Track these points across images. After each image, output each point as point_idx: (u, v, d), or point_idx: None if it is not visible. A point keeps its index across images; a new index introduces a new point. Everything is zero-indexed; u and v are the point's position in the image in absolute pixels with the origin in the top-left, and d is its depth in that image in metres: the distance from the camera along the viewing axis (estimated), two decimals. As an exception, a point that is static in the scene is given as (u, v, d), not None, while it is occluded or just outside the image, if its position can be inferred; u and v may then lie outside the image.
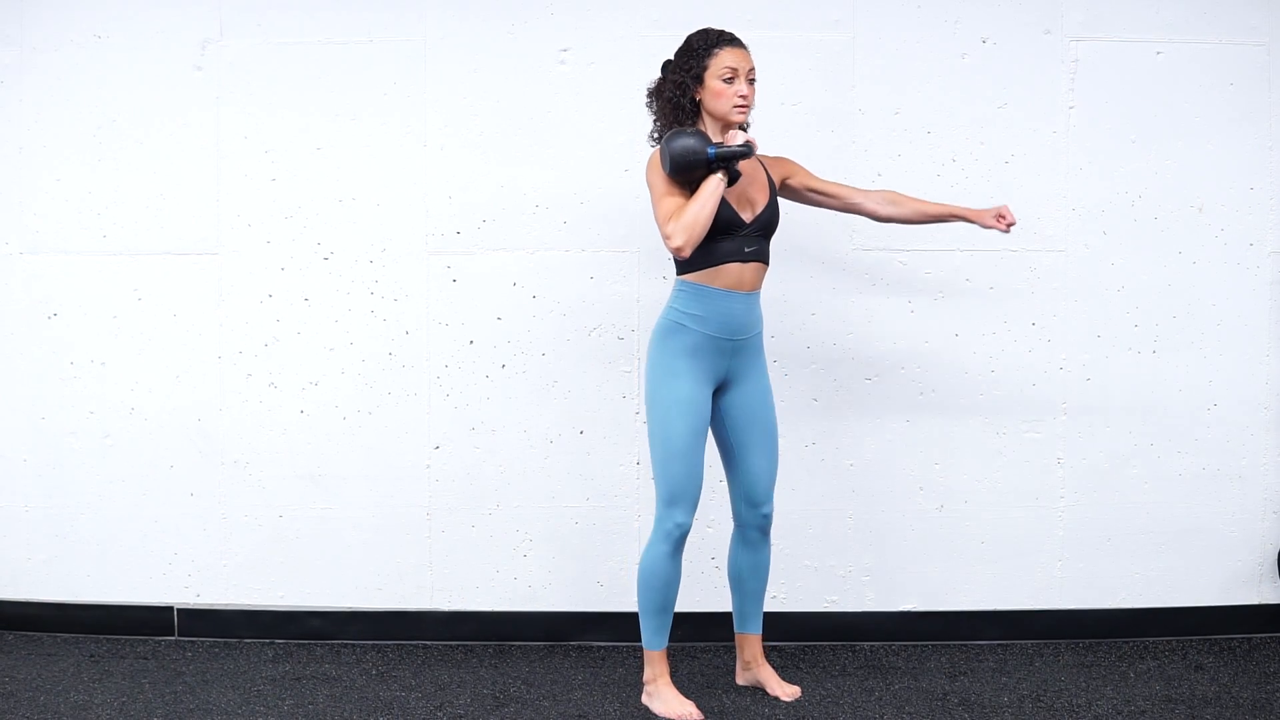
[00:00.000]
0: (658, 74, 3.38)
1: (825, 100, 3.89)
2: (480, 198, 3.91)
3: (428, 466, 3.95)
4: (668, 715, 3.31)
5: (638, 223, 3.88)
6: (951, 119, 3.88)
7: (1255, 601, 3.96)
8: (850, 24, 3.89)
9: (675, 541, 3.26)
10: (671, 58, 3.33)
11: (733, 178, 3.18)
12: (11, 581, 4.01)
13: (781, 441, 3.87)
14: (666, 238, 3.13)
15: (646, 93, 3.38)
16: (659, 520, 3.27)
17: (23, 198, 3.95)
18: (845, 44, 3.89)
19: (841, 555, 3.93)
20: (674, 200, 3.16)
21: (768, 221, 3.31)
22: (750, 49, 3.31)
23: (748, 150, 3.13)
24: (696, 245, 3.15)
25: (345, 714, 3.36)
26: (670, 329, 3.29)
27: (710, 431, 3.37)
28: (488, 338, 3.93)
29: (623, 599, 3.92)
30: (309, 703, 3.45)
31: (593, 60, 3.89)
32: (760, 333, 3.37)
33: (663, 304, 3.88)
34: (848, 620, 3.95)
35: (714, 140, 3.23)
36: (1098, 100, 3.89)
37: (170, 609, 4.00)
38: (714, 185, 3.14)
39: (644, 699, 3.40)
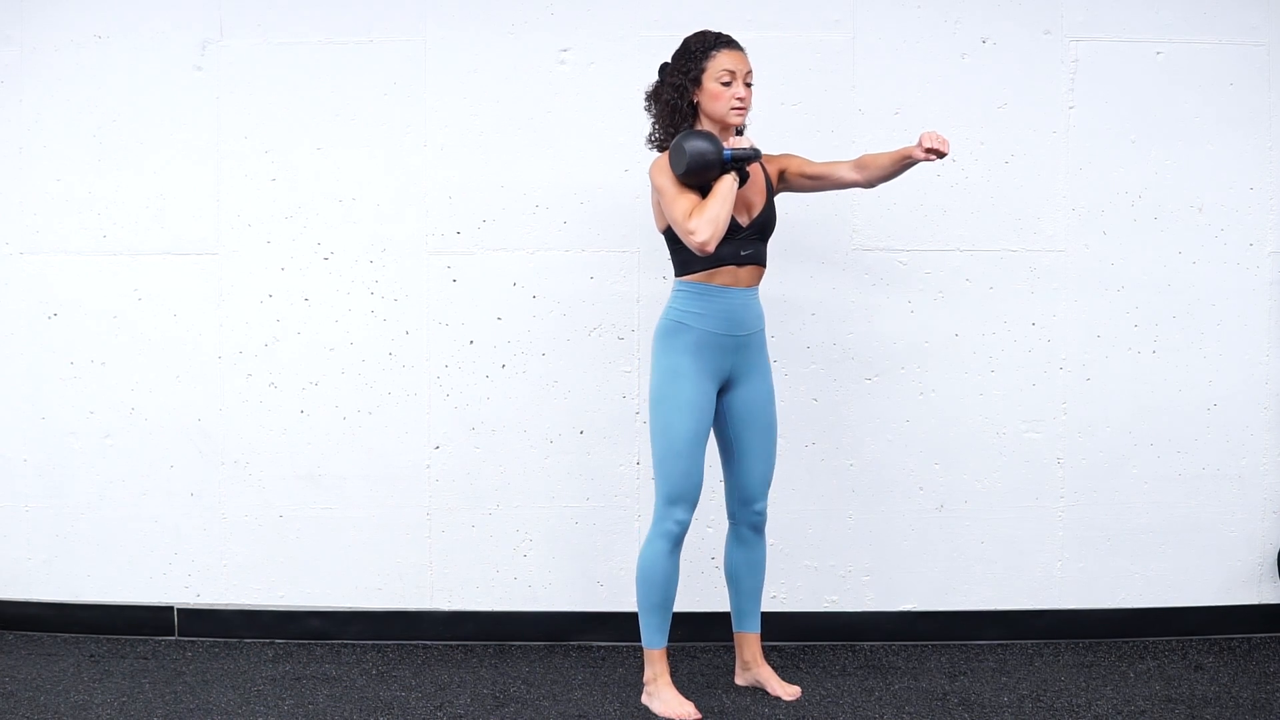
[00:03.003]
0: (655, 77, 3.38)
1: (825, 100, 3.89)
2: (480, 198, 3.91)
3: (428, 466, 3.95)
4: (667, 715, 3.32)
5: (638, 223, 3.88)
6: (951, 119, 3.88)
7: (1255, 601, 3.96)
8: (850, 24, 3.89)
9: (674, 539, 3.27)
10: (669, 60, 3.34)
11: (743, 179, 3.21)
12: (11, 581, 4.01)
13: (781, 442, 3.87)
14: (689, 233, 3.14)
15: (645, 96, 3.39)
16: (658, 518, 3.28)
17: (23, 198, 3.95)
18: (845, 44, 3.89)
19: (841, 555, 3.93)
20: (689, 199, 3.18)
21: (764, 224, 3.33)
22: (749, 50, 3.32)
23: (757, 154, 3.18)
24: (719, 241, 3.17)
25: (345, 714, 3.36)
26: (672, 329, 3.31)
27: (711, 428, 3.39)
28: (488, 338, 3.93)
29: (623, 599, 3.92)
30: (309, 703, 3.45)
31: (593, 60, 3.89)
32: (762, 330, 3.38)
33: (663, 304, 3.89)
34: (848, 620, 3.95)
35: None
36: (1098, 100, 3.89)
37: (170, 609, 4.00)
38: (729, 185, 3.17)
39: (644, 699, 3.40)
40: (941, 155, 3.22)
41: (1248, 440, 3.94)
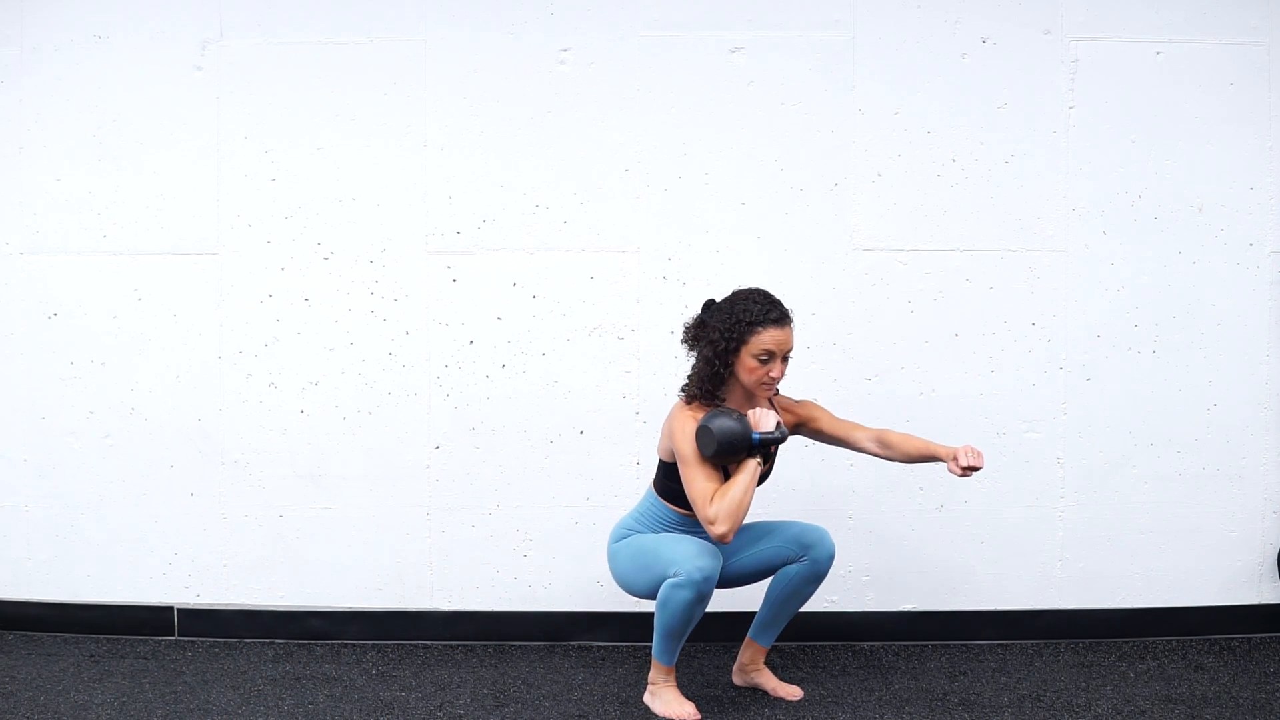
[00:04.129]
0: (699, 313, 3.33)
1: (825, 100, 3.89)
2: (480, 198, 3.91)
3: (428, 466, 3.95)
4: (667, 715, 3.32)
5: (638, 223, 3.88)
6: (951, 119, 3.88)
7: (1255, 601, 3.96)
8: (850, 24, 3.89)
9: (695, 587, 3.14)
10: (715, 301, 3.30)
11: (767, 459, 3.20)
12: (11, 581, 4.01)
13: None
14: (709, 522, 3.09)
15: (684, 329, 3.34)
16: (686, 572, 3.16)
17: (23, 198, 3.95)
18: (845, 44, 3.89)
19: (841, 555, 3.93)
20: (710, 482, 3.14)
21: (762, 476, 3.28)
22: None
23: (785, 436, 3.17)
24: (737, 529, 3.14)
25: (345, 714, 3.36)
26: (635, 530, 3.34)
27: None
28: (488, 338, 3.93)
29: (623, 599, 3.92)
30: (309, 703, 3.45)
31: (593, 60, 3.89)
32: None
33: (662, 305, 3.89)
34: (848, 620, 3.95)
35: (739, 401, 3.25)
36: (1098, 100, 3.89)
37: (170, 609, 4.00)
38: (753, 470, 3.14)
39: (645, 698, 3.40)
40: (977, 470, 3.18)
41: (1248, 440, 3.94)
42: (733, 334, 3.20)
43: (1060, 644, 3.92)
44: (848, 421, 3.42)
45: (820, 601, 3.93)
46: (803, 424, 3.41)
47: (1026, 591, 3.95)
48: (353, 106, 3.91)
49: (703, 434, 3.13)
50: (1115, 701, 3.42)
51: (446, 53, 3.90)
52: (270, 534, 3.96)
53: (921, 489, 3.93)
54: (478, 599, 3.97)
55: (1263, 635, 3.95)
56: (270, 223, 3.93)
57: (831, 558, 3.34)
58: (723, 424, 3.11)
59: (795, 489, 3.90)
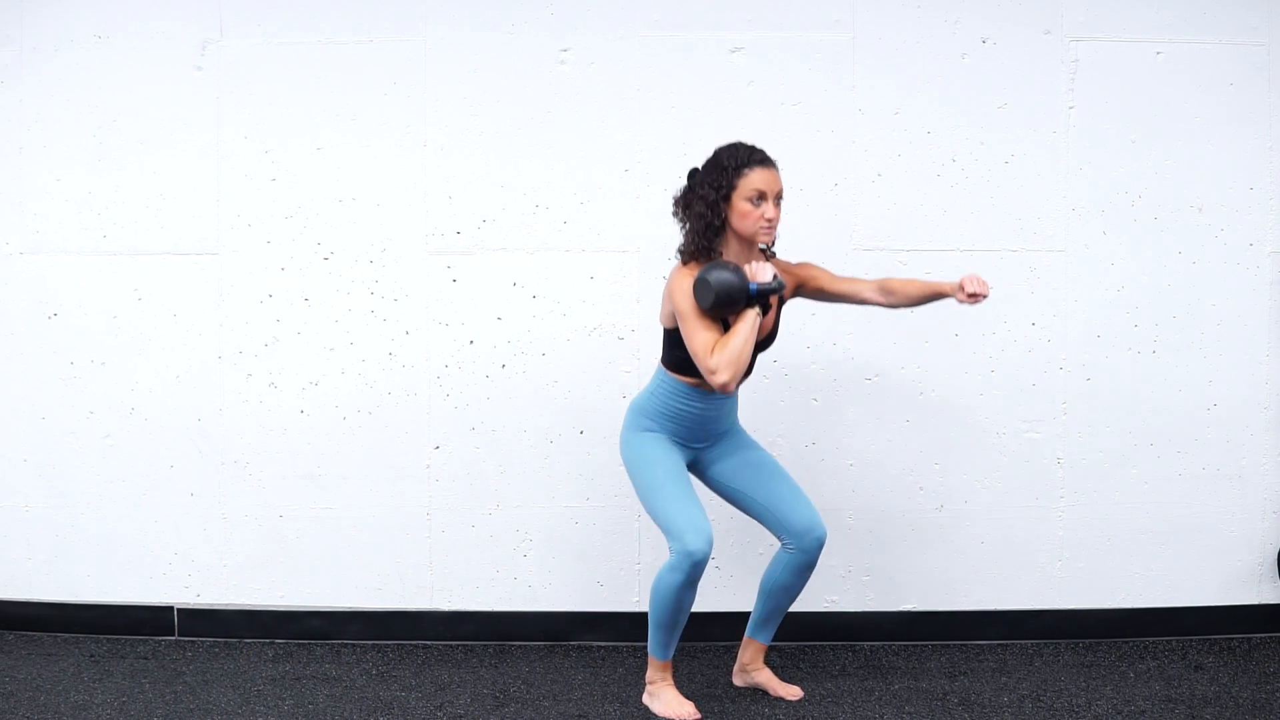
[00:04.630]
0: (684, 181, 3.33)
1: (825, 100, 3.89)
2: (480, 198, 3.91)
3: (428, 466, 3.95)
4: (667, 715, 3.32)
5: (638, 223, 3.88)
6: (951, 119, 3.88)
7: (1255, 601, 3.96)
8: (850, 24, 3.89)
9: (687, 571, 3.16)
10: (698, 168, 3.29)
11: (765, 310, 3.19)
12: (11, 581, 4.01)
13: (781, 441, 3.88)
14: (711, 372, 3.11)
15: (673, 200, 3.33)
16: (672, 551, 3.19)
17: (23, 198, 3.95)
18: (845, 44, 3.89)
19: (841, 555, 3.93)
20: (710, 333, 3.14)
21: (768, 340, 3.33)
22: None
23: (782, 286, 3.17)
24: (740, 379, 3.15)
25: (345, 714, 3.36)
26: (646, 413, 3.33)
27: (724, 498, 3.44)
28: (488, 338, 3.93)
29: (623, 599, 3.92)
30: (309, 703, 3.45)
31: (593, 60, 3.89)
32: (734, 424, 3.42)
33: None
34: (848, 620, 3.95)
35: (736, 257, 3.23)
36: (1098, 100, 3.89)
37: (170, 609, 4.00)
38: (753, 320, 3.14)
39: (645, 698, 3.40)
40: (984, 298, 3.20)
41: (1248, 440, 3.94)
42: (721, 182, 3.19)
43: (1060, 644, 3.92)
44: (848, 277, 3.41)
45: (820, 601, 3.93)
46: (803, 284, 3.38)
47: (1026, 591, 3.95)
48: (353, 106, 3.91)
49: (700, 286, 3.12)
50: (1115, 701, 3.42)
51: (446, 53, 3.90)
52: (270, 534, 3.96)
53: (921, 489, 3.93)
54: (478, 599, 3.97)
55: (1263, 635, 3.95)
56: (270, 223, 3.93)
57: (821, 544, 3.33)
58: (720, 275, 3.10)
59: (795, 489, 3.90)
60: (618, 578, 3.94)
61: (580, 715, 3.36)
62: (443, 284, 3.93)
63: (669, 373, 3.31)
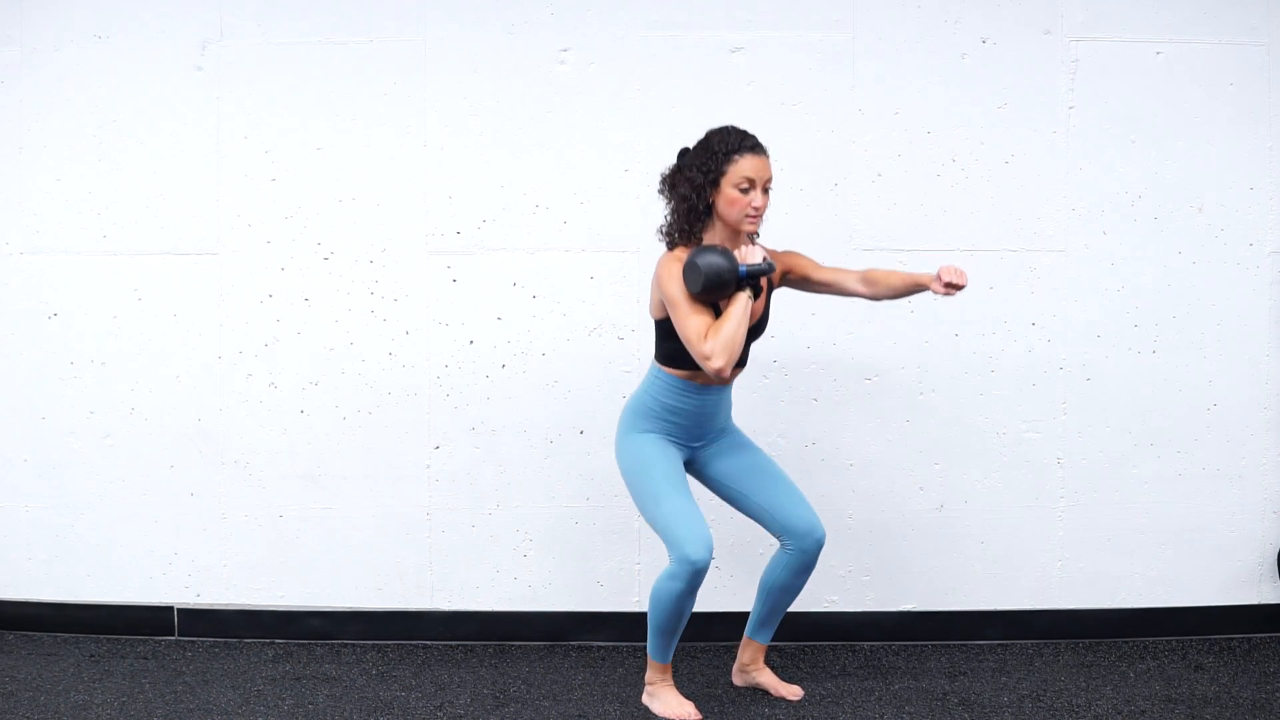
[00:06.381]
0: (673, 160, 3.31)
1: (825, 100, 3.89)
2: (480, 198, 3.91)
3: (428, 466, 3.95)
4: (667, 715, 3.32)
5: (638, 223, 3.88)
6: (951, 119, 3.88)
7: (1255, 601, 3.96)
8: (850, 24, 3.89)
9: (688, 579, 3.15)
10: (689, 148, 3.26)
11: (756, 294, 3.17)
12: (11, 581, 4.01)
13: (781, 441, 3.88)
14: (705, 358, 3.08)
15: (660, 179, 3.31)
16: (672, 559, 3.17)
17: (23, 198, 3.95)
18: (845, 44, 3.89)
19: (841, 555, 3.93)
20: (701, 318, 3.12)
21: (759, 327, 3.30)
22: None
23: (772, 268, 3.14)
24: (734, 365, 3.15)
25: (345, 714, 3.36)
26: (642, 415, 3.31)
27: (721, 497, 3.44)
28: (488, 338, 3.93)
29: (623, 599, 3.92)
30: (309, 703, 3.45)
31: (593, 60, 3.89)
32: (729, 423, 3.41)
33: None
34: (848, 620, 3.95)
35: (721, 243, 3.21)
36: (1098, 100, 3.89)
37: (170, 609, 4.00)
38: (744, 303, 3.12)
39: (644, 699, 3.40)
40: (960, 289, 3.16)
41: (1248, 440, 3.94)
42: (710, 166, 3.16)
43: (1060, 644, 3.92)
44: (832, 268, 3.37)
45: (820, 601, 3.93)
46: (788, 271, 3.35)
47: (1026, 591, 3.95)
48: (353, 106, 3.91)
49: (689, 270, 3.10)
50: (1115, 701, 3.42)
51: (446, 53, 3.90)
52: (270, 534, 3.96)
53: (921, 489, 3.93)
54: (478, 599, 3.97)
55: (1263, 635, 3.95)
56: (270, 223, 3.93)
57: (820, 545, 3.32)
58: (709, 259, 3.07)
59: (795, 489, 3.90)
60: (618, 578, 3.94)
61: (580, 715, 3.36)
62: (443, 284, 3.93)
63: (662, 368, 3.29)
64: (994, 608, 3.95)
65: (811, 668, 3.73)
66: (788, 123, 3.87)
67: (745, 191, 3.16)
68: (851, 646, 3.92)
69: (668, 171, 3.29)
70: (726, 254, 3.10)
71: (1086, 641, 3.94)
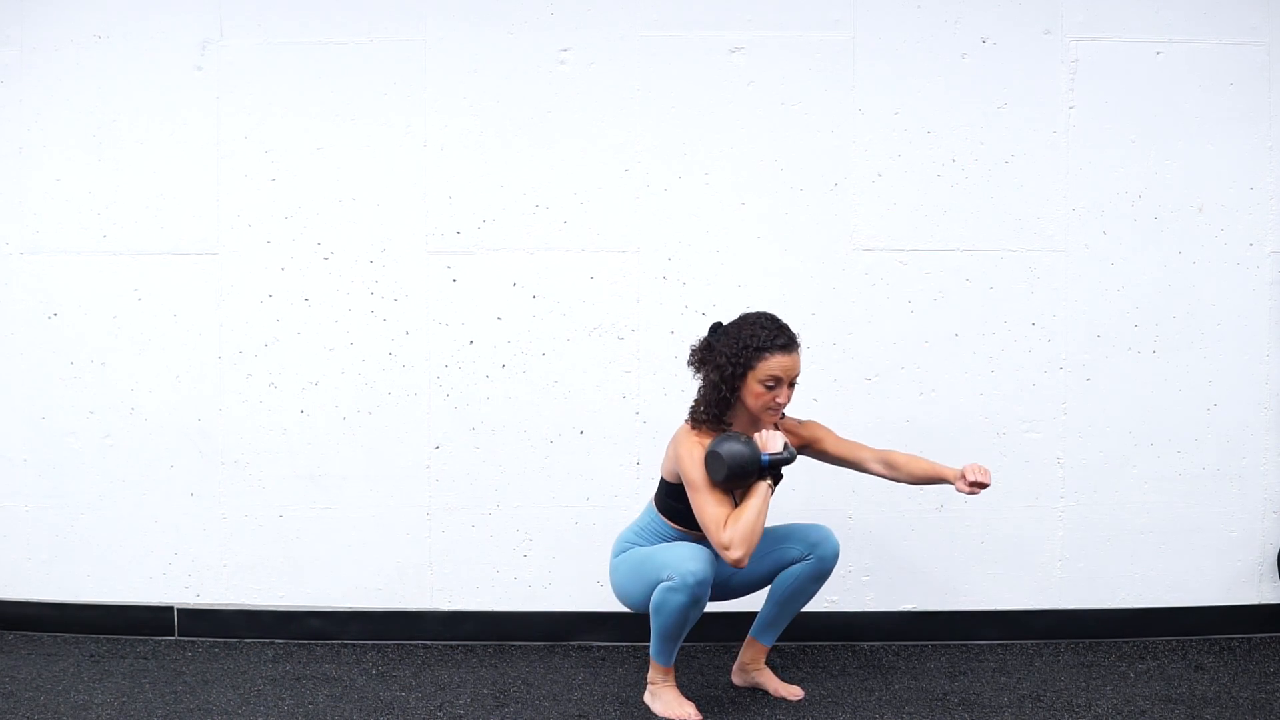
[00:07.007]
0: (705, 335, 3.32)
1: (825, 100, 3.89)
2: (480, 198, 3.91)
3: (428, 466, 3.95)
4: (667, 715, 3.32)
5: (638, 223, 3.88)
6: (951, 119, 3.88)
7: (1255, 601, 3.96)
8: (850, 24, 3.89)
9: (691, 589, 3.13)
10: (722, 324, 3.29)
11: (777, 480, 3.19)
12: (11, 581, 4.01)
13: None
14: (724, 548, 3.08)
15: (690, 351, 3.32)
16: (680, 575, 3.15)
17: (23, 198, 3.95)
18: (845, 44, 3.89)
19: (842, 555, 3.92)
20: (721, 508, 3.12)
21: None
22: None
23: (793, 455, 3.16)
24: (753, 552, 3.14)
25: (345, 714, 3.36)
26: (636, 546, 3.34)
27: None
28: (488, 338, 3.93)
29: (623, 599, 3.92)
30: (309, 703, 3.45)
31: (593, 60, 3.89)
32: None
33: (661, 305, 3.89)
34: (848, 620, 3.95)
35: (744, 425, 3.23)
36: (1098, 100, 3.89)
37: (170, 609, 4.00)
38: (764, 493, 3.13)
39: (645, 698, 3.40)
40: (985, 487, 3.17)
41: (1248, 440, 3.94)
42: (740, 359, 3.18)
43: (1060, 644, 3.92)
44: (852, 442, 3.41)
45: (820, 601, 3.93)
46: (807, 445, 3.40)
47: (1026, 591, 3.95)
48: (353, 106, 3.91)
49: (712, 460, 3.12)
50: (1115, 701, 3.42)
51: (446, 53, 3.90)
52: (270, 534, 3.96)
53: (922, 489, 3.93)
54: (478, 599, 3.97)
55: (1263, 635, 3.95)
56: (270, 223, 3.93)
57: (836, 555, 3.34)
58: (732, 448, 3.10)
59: (795, 489, 3.90)
60: (618, 578, 3.94)
61: (580, 715, 3.36)
62: (443, 284, 3.93)
63: (662, 517, 3.32)
64: (994, 608, 3.95)
65: (811, 668, 3.73)
66: (788, 123, 3.87)
67: (770, 388, 3.18)
68: (851, 646, 3.91)
69: (699, 345, 3.31)
70: (749, 443, 3.12)
71: (1086, 641, 3.94)
